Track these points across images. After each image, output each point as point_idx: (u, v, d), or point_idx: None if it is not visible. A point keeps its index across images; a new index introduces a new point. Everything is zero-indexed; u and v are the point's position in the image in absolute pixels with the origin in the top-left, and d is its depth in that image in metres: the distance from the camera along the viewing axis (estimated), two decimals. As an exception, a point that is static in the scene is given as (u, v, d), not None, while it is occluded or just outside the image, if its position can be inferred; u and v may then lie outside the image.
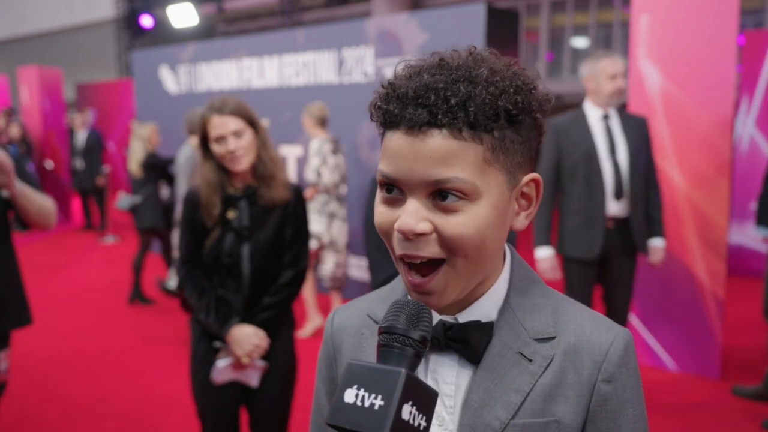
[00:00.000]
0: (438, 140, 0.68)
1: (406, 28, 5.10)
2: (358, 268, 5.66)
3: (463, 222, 0.69)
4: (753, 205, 5.91)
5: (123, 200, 5.85)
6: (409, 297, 0.82)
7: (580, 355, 0.76)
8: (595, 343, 0.76)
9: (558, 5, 12.94)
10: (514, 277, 0.81)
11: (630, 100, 3.98)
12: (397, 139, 0.70)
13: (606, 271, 3.25)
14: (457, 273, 0.72)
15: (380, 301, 0.88)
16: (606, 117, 3.16)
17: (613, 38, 12.28)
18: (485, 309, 0.78)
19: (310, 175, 4.62)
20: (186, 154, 4.93)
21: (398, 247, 0.72)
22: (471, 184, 0.69)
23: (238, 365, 2.15)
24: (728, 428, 3.29)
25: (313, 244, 4.80)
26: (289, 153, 6.09)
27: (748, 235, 6.30)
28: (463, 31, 4.66)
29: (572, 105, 3.48)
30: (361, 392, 0.61)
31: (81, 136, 9.07)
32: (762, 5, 10.62)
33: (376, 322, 0.85)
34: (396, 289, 0.87)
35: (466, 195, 0.69)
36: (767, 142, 6.15)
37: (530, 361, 0.75)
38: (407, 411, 0.61)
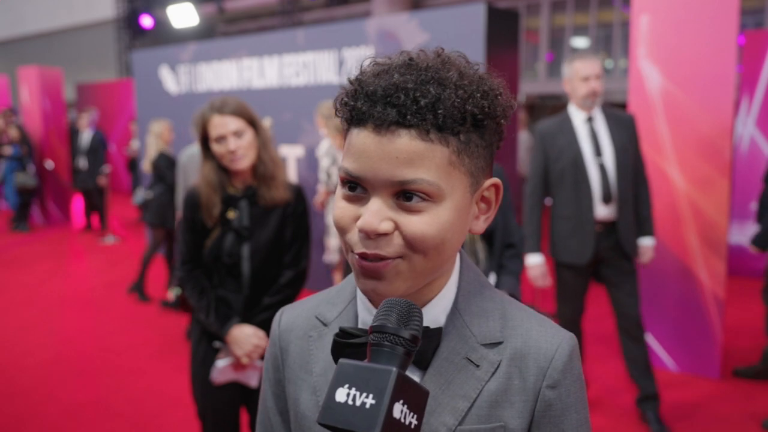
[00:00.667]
0: (405, 140, 0.68)
1: (406, 28, 5.10)
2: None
3: (425, 222, 0.69)
4: (753, 205, 5.91)
5: (138, 195, 5.92)
6: (358, 300, 0.82)
7: (526, 360, 0.76)
8: (541, 348, 0.76)
9: (558, 5, 12.94)
10: (462, 281, 0.80)
11: (630, 100, 3.98)
12: (363, 137, 0.70)
13: (604, 276, 3.23)
14: (412, 268, 0.71)
15: (328, 302, 0.87)
16: (590, 119, 3.14)
17: (613, 38, 12.28)
18: (434, 314, 0.77)
19: (321, 176, 4.68)
20: (189, 153, 4.95)
21: (357, 245, 0.71)
22: (436, 185, 0.69)
23: (237, 365, 2.15)
24: (728, 428, 3.30)
25: (335, 257, 4.81)
26: (289, 153, 6.09)
27: (748, 236, 6.30)
28: (463, 31, 4.66)
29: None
30: (353, 391, 0.61)
31: (86, 136, 9.07)
32: (762, 5, 10.61)
33: (324, 324, 0.84)
34: (344, 290, 0.86)
35: (431, 196, 0.69)
36: (767, 142, 6.15)
37: (477, 366, 0.75)
38: (398, 410, 0.60)
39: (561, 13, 12.95)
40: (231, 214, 2.14)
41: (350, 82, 0.73)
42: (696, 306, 3.84)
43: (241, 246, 2.14)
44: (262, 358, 2.17)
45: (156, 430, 3.37)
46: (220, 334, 2.12)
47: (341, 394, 0.62)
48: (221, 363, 2.14)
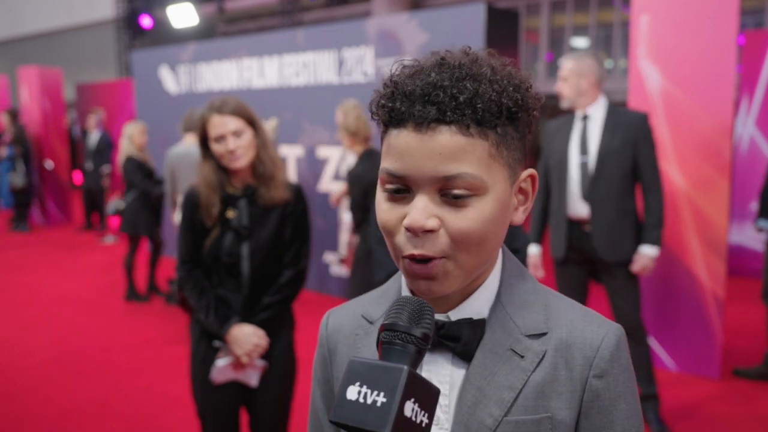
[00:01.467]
0: (447, 136, 0.69)
1: (406, 28, 5.10)
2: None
3: (471, 217, 0.70)
4: (753, 205, 5.91)
5: (110, 205, 5.95)
6: (408, 294, 0.82)
7: (571, 350, 0.76)
8: (587, 338, 0.76)
9: (558, 5, 12.94)
10: (505, 273, 0.81)
11: (630, 100, 3.98)
12: (404, 136, 0.71)
13: (602, 278, 3.24)
14: (459, 266, 0.72)
15: (374, 302, 0.88)
16: (585, 117, 3.15)
17: (613, 38, 12.29)
18: (477, 306, 0.78)
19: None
20: (177, 151, 4.94)
21: (405, 247, 0.72)
22: (479, 179, 0.70)
23: (237, 365, 2.15)
24: (728, 428, 3.30)
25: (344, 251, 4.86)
26: (289, 153, 6.09)
27: (748, 236, 6.30)
28: (463, 31, 4.66)
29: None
30: (364, 389, 0.62)
31: (93, 138, 9.07)
32: (762, 5, 10.61)
33: (371, 323, 0.85)
34: (390, 290, 0.87)
35: (474, 190, 0.70)
36: (767, 142, 6.15)
37: (522, 357, 0.76)
38: (410, 408, 0.61)
39: (561, 13, 12.95)
40: (230, 214, 2.14)
41: (386, 84, 0.74)
42: (696, 306, 3.84)
43: (240, 245, 2.14)
44: (261, 357, 2.17)
45: (155, 430, 3.37)
46: (219, 333, 2.12)
47: (352, 392, 0.62)
48: (221, 362, 2.14)
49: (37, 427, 3.40)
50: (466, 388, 0.76)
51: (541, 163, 3.33)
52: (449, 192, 0.70)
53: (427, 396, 0.63)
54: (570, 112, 3.28)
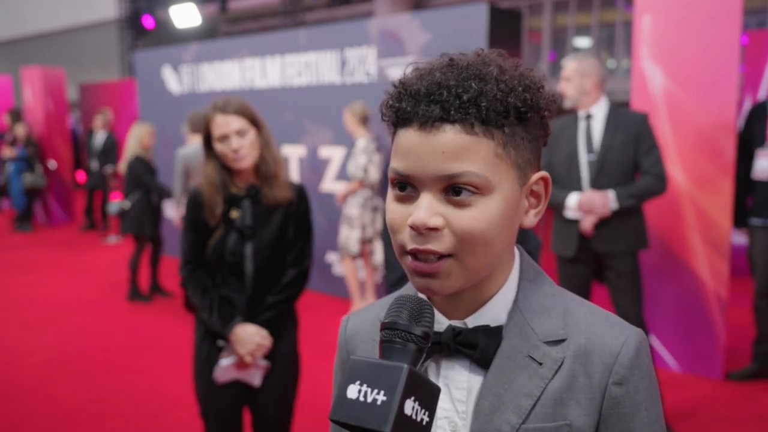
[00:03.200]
0: (451, 135, 0.69)
1: (409, 28, 5.10)
2: (362, 269, 5.66)
3: (474, 216, 0.70)
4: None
5: (112, 205, 5.96)
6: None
7: (590, 357, 0.75)
8: (606, 344, 0.75)
9: (560, 5, 12.93)
10: (523, 279, 0.80)
11: (633, 100, 3.98)
12: (409, 135, 0.71)
13: (605, 277, 3.24)
14: (463, 267, 0.72)
15: None
16: (588, 117, 3.17)
17: (615, 38, 12.27)
18: (494, 312, 0.78)
19: (356, 172, 4.87)
20: (188, 151, 4.96)
21: (409, 242, 0.72)
22: (484, 177, 0.70)
23: (241, 364, 2.16)
24: (731, 428, 3.29)
25: (354, 248, 4.88)
26: (292, 153, 6.09)
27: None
28: (466, 31, 4.66)
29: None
30: (364, 388, 0.62)
31: (99, 138, 9.08)
32: (765, 5, 10.60)
33: None
34: (408, 294, 0.88)
35: (479, 189, 0.70)
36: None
37: (540, 364, 0.75)
38: (410, 406, 0.61)
39: (563, 13, 12.94)
40: (234, 214, 2.14)
41: (394, 85, 0.75)
42: (698, 306, 3.84)
43: (243, 245, 2.14)
44: (264, 357, 2.17)
45: (157, 430, 3.37)
46: (223, 333, 2.12)
47: (353, 391, 0.62)
48: (224, 362, 2.14)
49: (39, 426, 3.41)
50: (484, 395, 0.76)
51: (544, 162, 3.33)
52: (454, 191, 0.70)
53: (428, 394, 0.63)
54: (573, 112, 3.28)
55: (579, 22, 12.79)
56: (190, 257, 2.19)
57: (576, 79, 3.12)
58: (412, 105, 0.71)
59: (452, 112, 0.69)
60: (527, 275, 0.81)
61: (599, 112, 3.16)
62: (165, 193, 5.67)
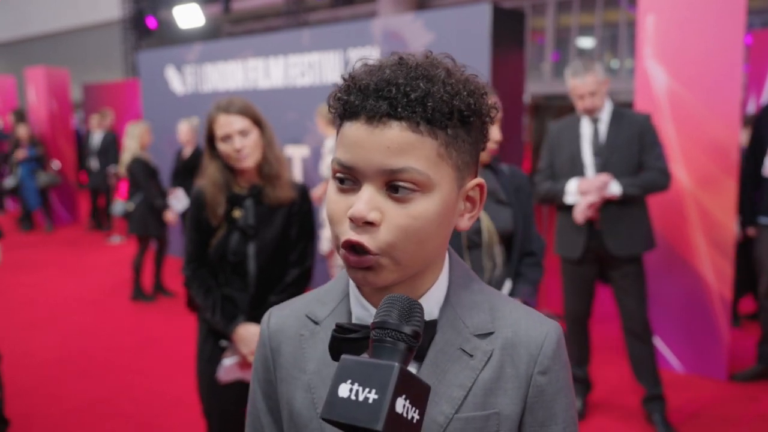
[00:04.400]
0: (396, 131, 0.71)
1: (412, 28, 5.10)
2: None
3: (413, 214, 0.72)
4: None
5: (117, 206, 5.95)
6: (351, 298, 0.83)
7: (516, 349, 0.79)
8: (531, 337, 0.79)
9: (564, 5, 12.91)
10: (453, 275, 0.83)
11: (636, 100, 3.97)
12: (356, 129, 0.73)
13: (609, 277, 3.24)
14: (395, 261, 0.73)
15: (318, 301, 0.88)
16: (595, 120, 3.17)
17: (619, 38, 12.25)
18: (428, 307, 0.79)
19: (325, 171, 4.93)
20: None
21: (346, 233, 0.73)
22: (425, 175, 0.71)
23: (244, 364, 2.16)
24: (735, 430, 3.28)
25: (325, 246, 4.91)
26: (295, 153, 6.09)
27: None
28: (469, 31, 4.65)
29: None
30: (355, 386, 0.62)
31: (96, 137, 9.11)
32: (769, 5, 10.57)
33: (316, 323, 0.85)
34: (335, 288, 0.88)
35: (420, 187, 0.71)
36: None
37: (471, 356, 0.78)
38: (401, 404, 0.61)
39: (566, 13, 12.92)
40: (236, 213, 2.15)
41: (343, 78, 0.77)
42: (702, 307, 3.83)
43: (246, 245, 2.15)
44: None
45: (160, 430, 3.38)
46: (226, 332, 2.12)
47: (344, 390, 0.62)
48: (227, 362, 2.15)
49: (42, 426, 3.42)
50: None
51: (544, 162, 3.29)
52: (394, 186, 0.71)
53: (418, 393, 0.64)
54: (572, 113, 3.28)
55: (582, 22, 12.78)
56: (193, 257, 2.19)
57: (601, 88, 3.11)
58: (360, 99, 0.72)
59: (399, 109, 0.70)
60: (457, 273, 0.84)
61: (605, 114, 3.18)
62: (157, 205, 5.62)
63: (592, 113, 3.14)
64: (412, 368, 0.78)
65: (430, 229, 0.73)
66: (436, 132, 0.72)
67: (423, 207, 0.72)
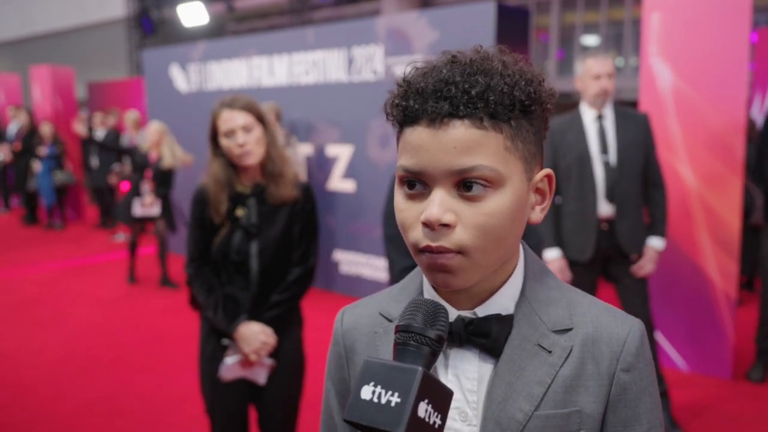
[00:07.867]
0: (461, 130, 0.69)
1: (416, 26, 5.09)
2: (369, 267, 5.66)
3: (487, 212, 0.70)
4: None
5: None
6: (425, 296, 0.83)
7: (598, 345, 0.77)
8: (613, 333, 0.77)
9: (568, 3, 12.88)
10: (528, 270, 0.82)
11: (641, 98, 3.95)
12: (418, 133, 0.71)
13: (612, 275, 3.22)
14: (474, 263, 0.72)
15: (392, 299, 0.88)
16: (600, 117, 3.13)
17: (624, 36, 12.22)
18: (503, 302, 0.79)
19: None
20: None
21: (423, 240, 0.72)
22: (496, 171, 0.70)
23: (246, 363, 2.16)
24: (740, 428, 3.27)
25: None
26: (299, 151, 6.09)
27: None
28: (473, 29, 4.64)
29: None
30: (378, 389, 0.62)
31: (99, 136, 9.14)
32: (775, 3, 10.51)
33: (389, 320, 0.85)
34: (408, 287, 0.87)
35: (491, 183, 0.70)
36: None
37: (550, 352, 0.77)
38: (423, 409, 0.61)
39: (571, 10, 12.89)
40: (239, 212, 2.14)
41: (398, 84, 0.75)
42: (707, 306, 3.81)
43: (249, 243, 2.14)
44: (269, 355, 2.17)
45: (164, 427, 3.38)
46: (228, 331, 2.12)
47: (367, 392, 0.63)
48: (229, 360, 2.15)
49: (48, 423, 3.43)
50: (496, 383, 0.77)
51: (548, 165, 3.27)
52: (467, 184, 0.70)
53: (441, 397, 0.64)
54: (573, 110, 3.24)
55: (587, 19, 12.74)
56: (196, 255, 2.19)
57: (614, 76, 3.10)
58: (420, 102, 0.71)
59: (461, 108, 0.69)
60: (532, 268, 0.82)
61: (608, 111, 3.15)
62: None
63: (605, 98, 3.09)
64: (488, 364, 0.78)
65: (506, 225, 0.72)
66: (500, 126, 0.70)
67: (496, 203, 0.71)
